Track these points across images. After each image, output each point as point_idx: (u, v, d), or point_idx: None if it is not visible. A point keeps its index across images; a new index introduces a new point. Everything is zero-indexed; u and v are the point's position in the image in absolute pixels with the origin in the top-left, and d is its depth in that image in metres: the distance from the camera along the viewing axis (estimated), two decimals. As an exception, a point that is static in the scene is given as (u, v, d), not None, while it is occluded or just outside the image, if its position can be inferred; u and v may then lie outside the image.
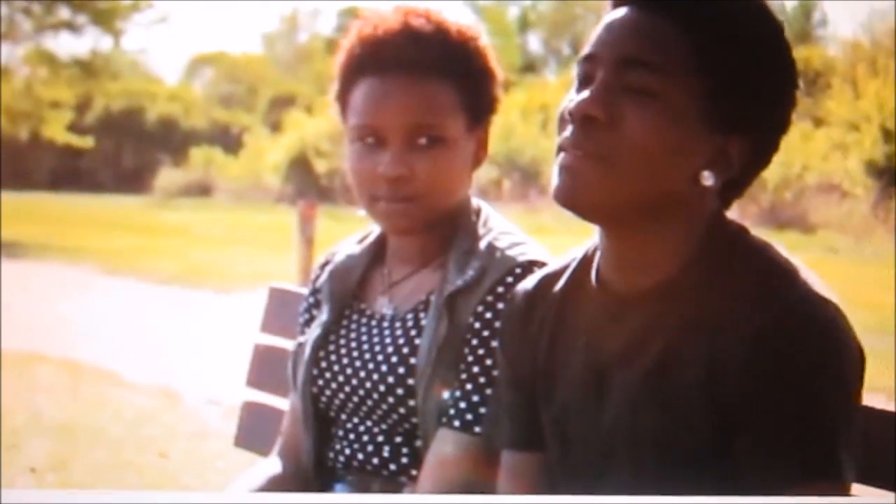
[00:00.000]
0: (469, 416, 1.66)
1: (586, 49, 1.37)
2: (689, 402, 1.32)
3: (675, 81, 1.32)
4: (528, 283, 1.56)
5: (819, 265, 1.46)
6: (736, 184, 1.40)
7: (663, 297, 1.36)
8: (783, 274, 1.32)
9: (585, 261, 1.48)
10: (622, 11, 1.36)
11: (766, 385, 1.27)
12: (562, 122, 1.37)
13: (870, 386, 1.34)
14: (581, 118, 1.33)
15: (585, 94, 1.34)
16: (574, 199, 1.35)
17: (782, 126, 1.40)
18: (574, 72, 1.39)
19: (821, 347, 1.27)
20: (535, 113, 21.56)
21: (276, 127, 27.43)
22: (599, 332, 1.41)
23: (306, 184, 22.26)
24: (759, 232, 1.41)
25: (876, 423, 1.43)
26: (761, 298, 1.29)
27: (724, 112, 1.33)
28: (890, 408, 1.46)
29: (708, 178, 1.34)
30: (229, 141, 28.79)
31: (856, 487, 1.31)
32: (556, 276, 1.51)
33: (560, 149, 1.36)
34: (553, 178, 1.36)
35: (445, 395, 1.69)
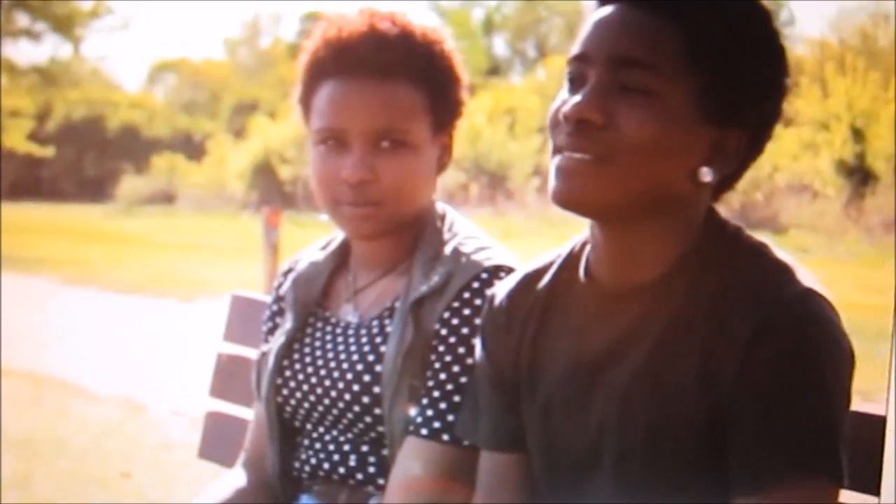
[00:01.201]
0: (437, 424, 1.64)
1: (576, 48, 1.35)
2: (681, 400, 1.30)
3: (669, 79, 1.30)
4: (509, 281, 1.54)
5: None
6: (728, 178, 1.39)
7: (657, 293, 1.35)
8: (780, 272, 1.31)
9: (572, 257, 1.46)
10: (610, 9, 1.34)
11: (764, 382, 1.25)
12: (555, 124, 1.35)
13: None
14: (577, 121, 1.31)
15: (579, 97, 1.32)
16: (573, 200, 1.33)
17: (776, 116, 1.39)
18: (564, 71, 1.36)
19: (819, 345, 1.26)
20: (502, 116, 21.62)
21: (239, 133, 27.37)
22: (589, 328, 1.40)
23: (270, 190, 22.22)
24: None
25: (854, 425, 1.41)
26: (759, 295, 1.28)
27: (719, 107, 1.32)
28: (864, 409, 1.44)
29: (707, 175, 1.33)
30: (192, 148, 28.73)
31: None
32: (539, 273, 1.50)
33: (556, 150, 1.34)
34: (550, 180, 1.34)
35: (411, 408, 1.66)
